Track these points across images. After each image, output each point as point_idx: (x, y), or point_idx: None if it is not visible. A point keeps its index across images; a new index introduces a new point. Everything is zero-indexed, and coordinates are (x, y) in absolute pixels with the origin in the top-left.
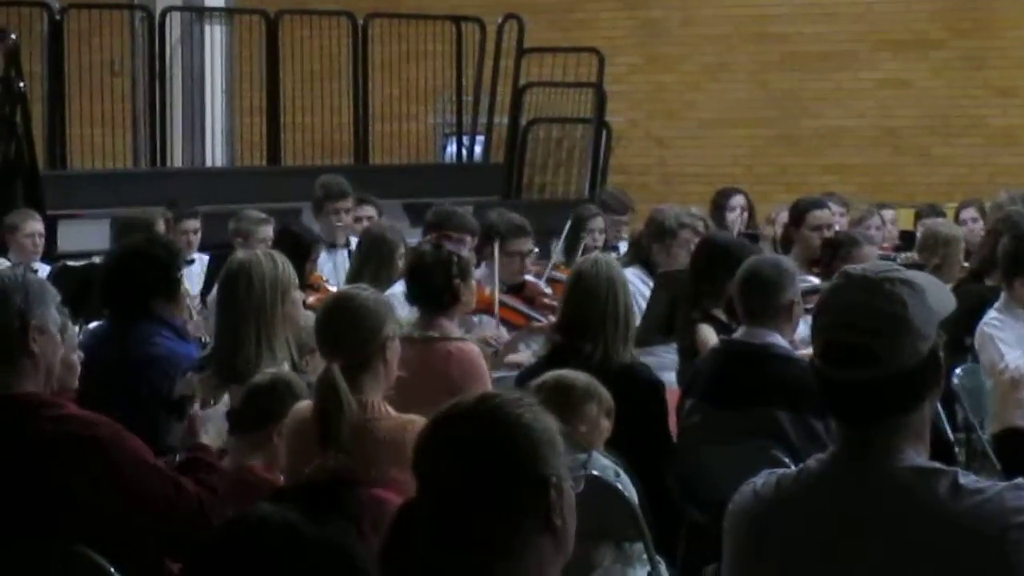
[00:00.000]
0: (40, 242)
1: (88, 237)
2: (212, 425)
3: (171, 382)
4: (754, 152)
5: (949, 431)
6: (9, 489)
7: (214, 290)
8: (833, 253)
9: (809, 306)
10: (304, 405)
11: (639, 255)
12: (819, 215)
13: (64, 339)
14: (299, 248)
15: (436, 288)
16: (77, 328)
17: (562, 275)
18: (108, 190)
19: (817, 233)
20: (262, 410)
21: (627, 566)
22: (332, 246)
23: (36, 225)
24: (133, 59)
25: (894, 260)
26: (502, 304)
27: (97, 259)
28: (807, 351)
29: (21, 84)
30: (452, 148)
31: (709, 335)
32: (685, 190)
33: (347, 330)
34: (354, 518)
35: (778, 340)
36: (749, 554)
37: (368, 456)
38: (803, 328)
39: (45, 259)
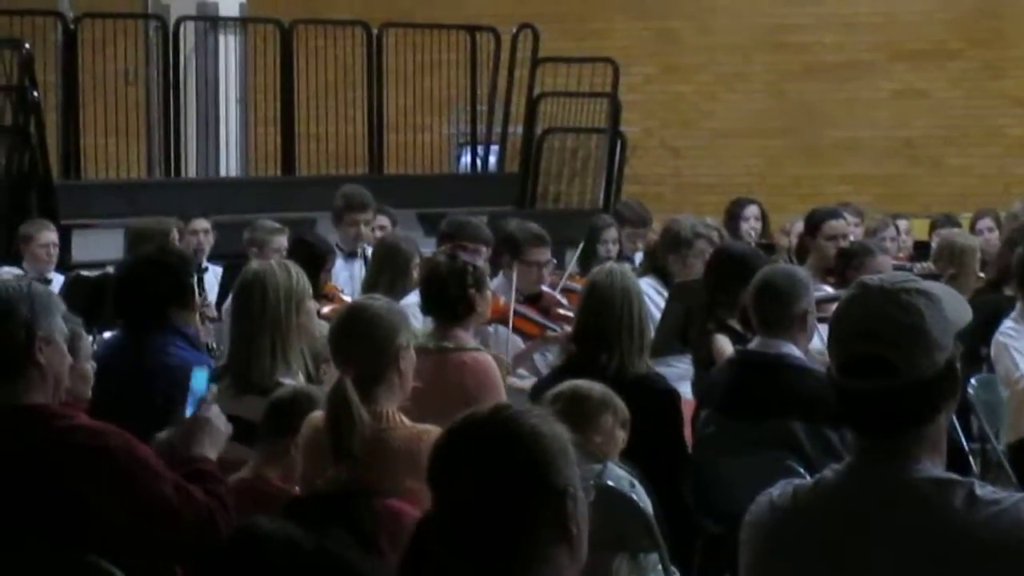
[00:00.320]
0: (54, 252)
1: (102, 247)
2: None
3: (184, 392)
4: (769, 162)
5: (964, 441)
6: (20, 499)
7: (228, 300)
8: (847, 263)
9: (825, 315)
10: (318, 415)
11: (654, 265)
12: (834, 225)
13: (77, 349)
14: (313, 258)
15: (451, 298)
16: (91, 338)
17: (577, 285)
18: (122, 200)
19: (832, 243)
20: (283, 423)
21: None
22: (350, 255)
23: (50, 235)
24: (147, 68)
25: (910, 270)
26: (517, 314)
27: (111, 269)
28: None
29: (35, 93)
30: (466, 158)
31: (724, 345)
32: (699, 200)
33: (360, 340)
34: (369, 532)
35: (793, 350)
36: (766, 565)
37: (382, 466)
38: (817, 339)
39: (59, 269)
